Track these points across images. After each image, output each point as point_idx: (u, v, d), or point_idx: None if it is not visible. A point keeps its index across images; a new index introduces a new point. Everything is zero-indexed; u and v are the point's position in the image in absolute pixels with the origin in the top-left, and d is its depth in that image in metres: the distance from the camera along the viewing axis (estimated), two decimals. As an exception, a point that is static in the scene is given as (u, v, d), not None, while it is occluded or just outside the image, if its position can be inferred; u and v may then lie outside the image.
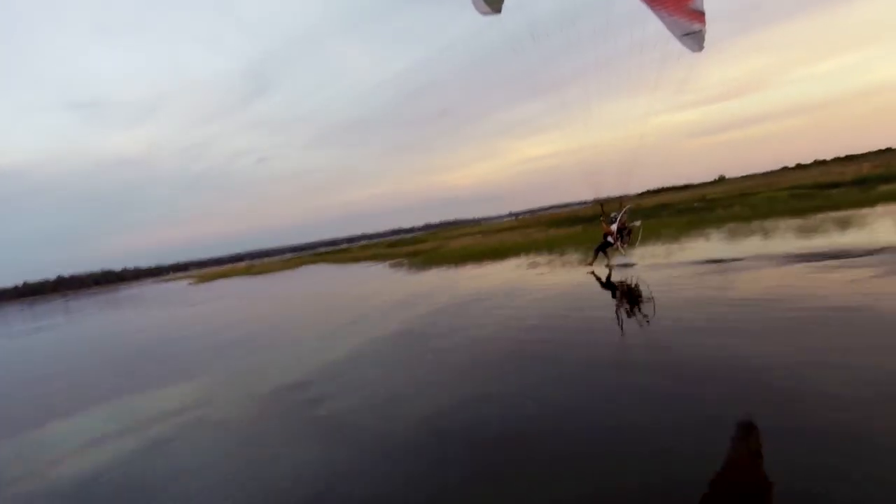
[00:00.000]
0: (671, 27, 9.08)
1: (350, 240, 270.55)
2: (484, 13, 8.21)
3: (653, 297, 10.09)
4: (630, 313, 9.25)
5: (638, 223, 14.69)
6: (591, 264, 14.79)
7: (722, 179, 77.51)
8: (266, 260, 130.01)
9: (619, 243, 13.87)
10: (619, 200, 14.47)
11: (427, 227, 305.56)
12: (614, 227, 13.81)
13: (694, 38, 9.13)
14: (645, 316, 8.87)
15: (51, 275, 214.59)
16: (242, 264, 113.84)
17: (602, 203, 14.39)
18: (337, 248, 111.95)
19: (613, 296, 11.24)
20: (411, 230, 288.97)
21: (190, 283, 58.91)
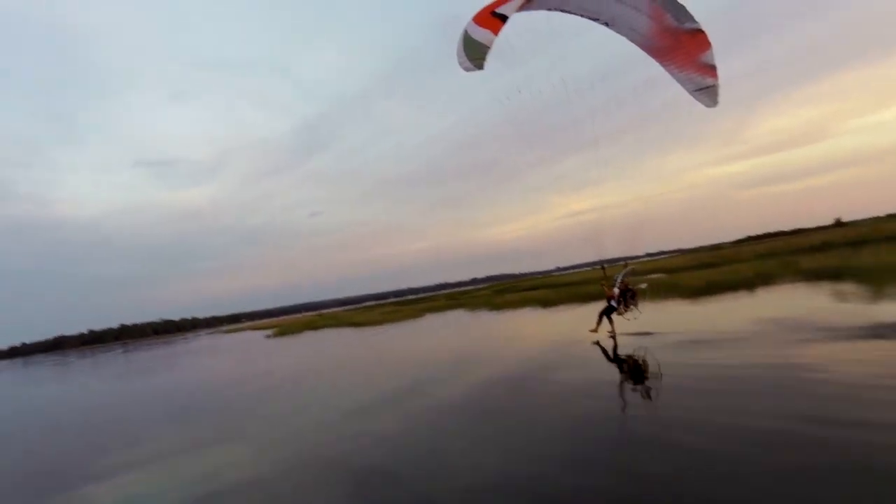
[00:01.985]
0: (683, 83, 9.10)
1: (397, 293, 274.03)
2: (467, 69, 8.32)
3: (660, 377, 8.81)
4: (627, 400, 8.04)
5: (644, 285, 13.84)
6: (594, 331, 13.56)
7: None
8: (335, 309, 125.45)
9: (622, 307, 12.99)
10: (624, 262, 13.80)
11: (474, 281, 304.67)
12: (616, 290, 13.06)
13: (707, 93, 9.03)
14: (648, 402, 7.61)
15: (114, 323, 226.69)
16: (331, 310, 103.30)
17: (604, 266, 13.99)
18: (402, 299, 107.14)
19: (621, 370, 10.13)
20: (458, 284, 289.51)
21: (269, 336, 44.76)
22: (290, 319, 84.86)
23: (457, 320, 29.73)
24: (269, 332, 51.95)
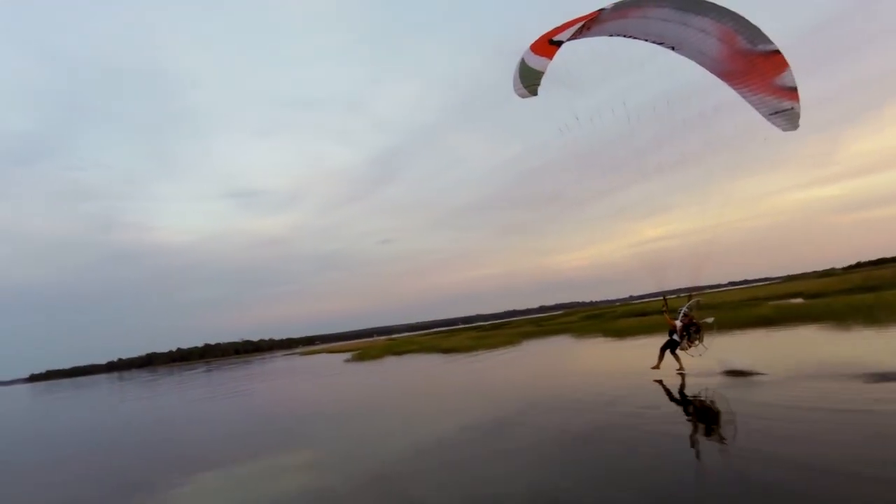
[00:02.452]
0: (758, 106, 8.65)
1: (465, 320, 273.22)
2: (522, 96, 8.41)
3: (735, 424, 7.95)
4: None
5: (710, 319, 12.81)
6: (657, 367, 12.78)
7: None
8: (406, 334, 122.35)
9: (685, 342, 12.21)
10: (689, 293, 12.95)
11: (542, 308, 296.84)
12: (679, 322, 12.27)
13: (785, 117, 8.52)
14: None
15: (199, 342, 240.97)
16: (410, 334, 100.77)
17: (665, 297, 13.30)
18: (477, 325, 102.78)
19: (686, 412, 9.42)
20: (527, 311, 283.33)
21: (347, 361, 42.09)
22: (365, 343, 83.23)
23: (573, 348, 26.19)
24: (346, 355, 49.01)
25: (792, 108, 8.62)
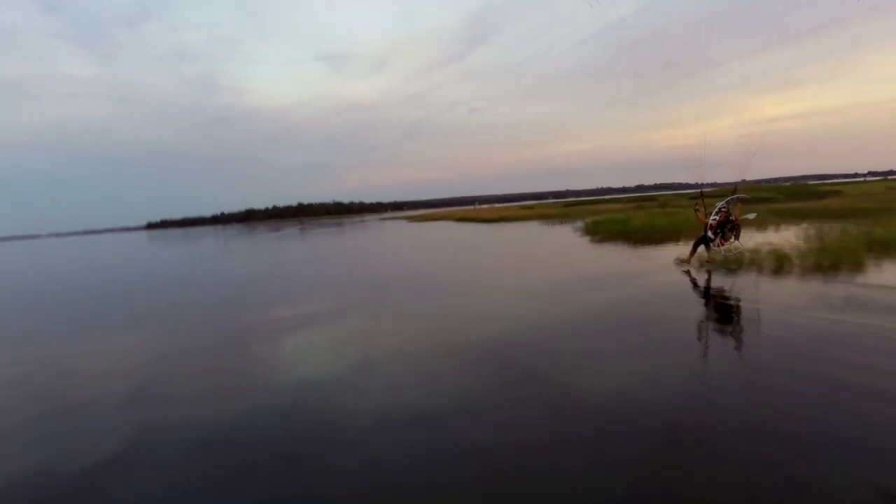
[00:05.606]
0: None
1: (556, 195, 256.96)
2: None
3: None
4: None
5: (752, 216, 12.34)
6: (686, 261, 12.30)
7: None
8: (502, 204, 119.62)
9: (719, 239, 11.71)
10: (734, 187, 12.47)
11: (640, 188, 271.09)
12: (714, 219, 11.69)
13: None
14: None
15: (293, 201, 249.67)
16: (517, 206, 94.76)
17: (702, 192, 12.69)
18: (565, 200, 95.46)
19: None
20: (622, 190, 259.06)
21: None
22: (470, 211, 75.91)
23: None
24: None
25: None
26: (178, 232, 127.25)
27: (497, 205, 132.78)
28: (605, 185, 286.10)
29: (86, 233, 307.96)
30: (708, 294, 9.60)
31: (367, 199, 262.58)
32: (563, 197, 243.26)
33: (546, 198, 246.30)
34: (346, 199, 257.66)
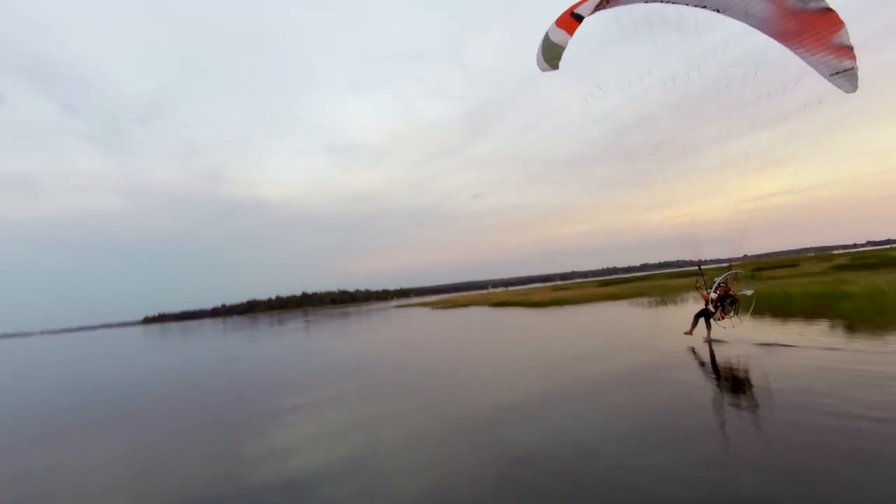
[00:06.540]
0: (817, 67, 8.16)
1: (562, 276, 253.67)
2: (543, 70, 8.57)
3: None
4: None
5: (749, 292, 12.70)
6: (689, 333, 12.75)
7: None
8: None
9: (719, 313, 11.94)
10: (729, 264, 12.61)
11: (644, 266, 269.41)
12: (713, 294, 12.12)
13: (846, 77, 8.08)
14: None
15: (297, 290, 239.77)
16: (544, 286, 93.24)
17: (700, 266, 12.88)
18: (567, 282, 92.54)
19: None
20: (628, 269, 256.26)
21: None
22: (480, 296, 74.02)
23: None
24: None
25: (852, 68, 7.95)
26: (175, 326, 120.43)
27: (511, 288, 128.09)
28: (611, 265, 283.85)
29: (80, 329, 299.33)
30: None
31: (373, 287, 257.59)
32: (570, 278, 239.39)
33: (553, 279, 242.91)
34: (350, 287, 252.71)
